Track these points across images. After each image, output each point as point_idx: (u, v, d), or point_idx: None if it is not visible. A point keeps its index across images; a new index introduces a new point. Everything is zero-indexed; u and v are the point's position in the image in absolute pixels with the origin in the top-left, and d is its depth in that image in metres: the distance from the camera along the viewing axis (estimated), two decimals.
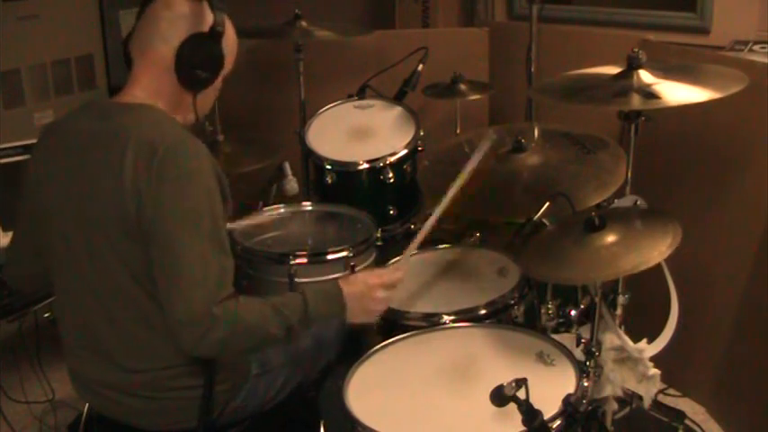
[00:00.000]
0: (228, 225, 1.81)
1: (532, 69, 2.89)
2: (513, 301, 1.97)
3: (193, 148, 1.57)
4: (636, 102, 1.87)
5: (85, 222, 1.60)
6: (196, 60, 1.61)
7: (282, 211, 2.55)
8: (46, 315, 2.25)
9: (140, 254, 1.54)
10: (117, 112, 1.62)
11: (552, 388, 1.57)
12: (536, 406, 1.38)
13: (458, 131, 2.85)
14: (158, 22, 1.61)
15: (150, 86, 1.63)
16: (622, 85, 1.93)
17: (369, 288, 1.74)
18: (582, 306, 2.06)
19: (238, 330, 1.53)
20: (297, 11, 2.85)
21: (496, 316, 1.93)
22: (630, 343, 1.95)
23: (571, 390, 1.57)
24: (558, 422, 1.50)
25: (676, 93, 1.87)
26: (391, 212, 2.61)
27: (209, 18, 1.62)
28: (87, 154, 1.60)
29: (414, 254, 2.04)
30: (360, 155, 2.59)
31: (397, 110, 2.80)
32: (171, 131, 1.59)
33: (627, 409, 2.17)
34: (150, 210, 1.51)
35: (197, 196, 1.53)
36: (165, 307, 1.52)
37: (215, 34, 1.61)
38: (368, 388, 1.69)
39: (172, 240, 1.50)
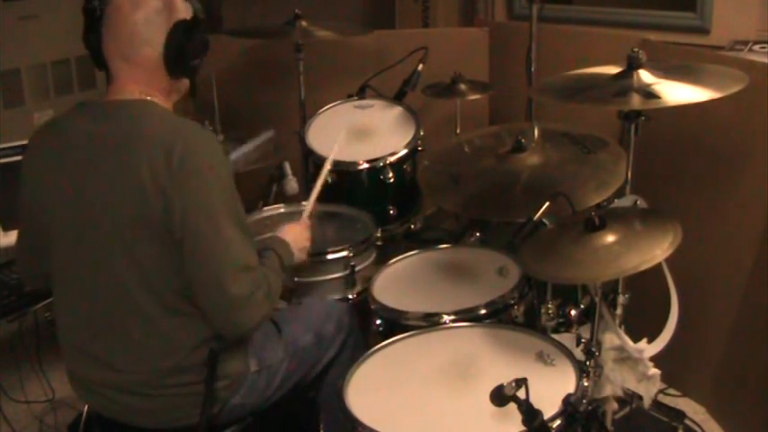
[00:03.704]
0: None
1: (532, 69, 2.89)
2: (513, 301, 1.97)
3: (207, 138, 1.61)
4: (636, 102, 1.87)
5: (92, 226, 1.59)
6: (187, 52, 1.62)
7: (282, 211, 2.55)
8: (46, 315, 2.25)
9: (158, 255, 1.56)
10: (116, 111, 1.62)
11: (552, 388, 1.57)
12: (536, 406, 1.38)
13: (458, 131, 2.85)
14: (134, 27, 1.59)
15: (142, 82, 1.63)
16: (622, 84, 1.93)
17: (302, 235, 1.98)
18: (582, 306, 2.06)
19: (272, 290, 1.65)
20: (297, 11, 2.85)
21: (496, 316, 1.93)
22: (630, 343, 1.95)
23: (571, 390, 1.57)
24: (558, 422, 1.50)
25: (676, 93, 1.86)
26: (391, 212, 2.61)
27: (178, 3, 1.62)
28: (93, 156, 1.59)
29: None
30: (360, 155, 2.59)
31: (397, 110, 2.80)
32: (180, 126, 1.61)
33: (627, 409, 2.17)
34: (179, 206, 1.52)
35: (222, 184, 1.57)
36: (212, 297, 1.56)
37: (198, 21, 1.62)
38: (368, 388, 1.69)
39: (207, 232, 1.54)
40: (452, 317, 1.91)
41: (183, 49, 1.61)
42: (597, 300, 1.89)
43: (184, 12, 1.62)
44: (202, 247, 1.54)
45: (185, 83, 1.71)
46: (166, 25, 1.60)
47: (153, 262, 1.56)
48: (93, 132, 1.61)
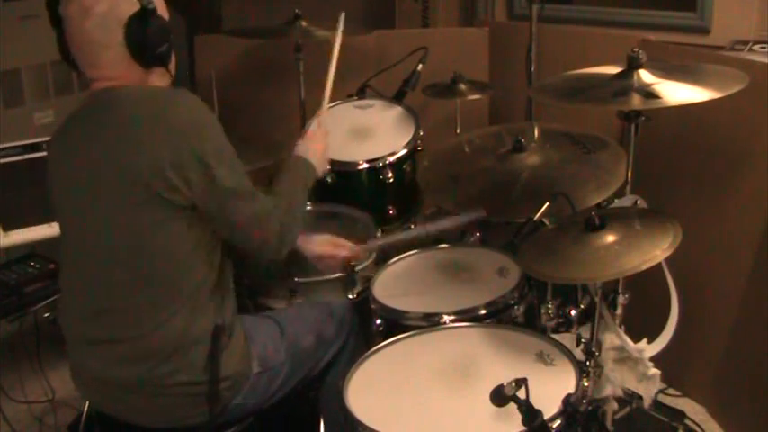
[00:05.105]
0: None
1: (532, 69, 2.89)
2: (513, 301, 1.97)
3: (190, 99, 1.62)
4: (636, 102, 1.87)
5: (89, 205, 1.62)
6: (148, 42, 1.62)
7: None
8: (46, 315, 2.26)
9: (151, 218, 1.57)
10: (99, 96, 1.65)
11: (552, 388, 1.57)
12: (536, 406, 1.38)
13: (458, 131, 2.85)
14: (89, 35, 1.60)
15: (116, 78, 1.64)
16: (622, 84, 1.93)
17: (322, 144, 2.10)
18: (582, 306, 2.06)
19: (291, 206, 1.79)
20: (297, 11, 2.85)
21: (496, 316, 1.93)
22: (630, 343, 1.95)
23: (571, 390, 1.57)
24: (558, 422, 1.50)
25: (676, 93, 1.86)
26: (391, 212, 2.61)
27: (120, 1, 1.61)
28: (80, 138, 1.65)
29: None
30: (360, 155, 2.59)
31: (397, 110, 2.80)
32: (158, 91, 1.65)
33: (627, 409, 2.17)
34: (179, 162, 1.55)
35: (215, 134, 1.62)
36: (248, 235, 1.69)
37: (147, 11, 1.61)
38: (368, 388, 1.69)
39: (218, 182, 1.60)
40: (452, 317, 1.91)
41: (143, 41, 1.61)
42: (597, 300, 1.89)
43: (130, 6, 1.61)
44: (212, 198, 1.61)
45: (161, 70, 1.70)
46: (119, 25, 1.59)
47: (146, 227, 1.58)
48: (83, 117, 1.67)
